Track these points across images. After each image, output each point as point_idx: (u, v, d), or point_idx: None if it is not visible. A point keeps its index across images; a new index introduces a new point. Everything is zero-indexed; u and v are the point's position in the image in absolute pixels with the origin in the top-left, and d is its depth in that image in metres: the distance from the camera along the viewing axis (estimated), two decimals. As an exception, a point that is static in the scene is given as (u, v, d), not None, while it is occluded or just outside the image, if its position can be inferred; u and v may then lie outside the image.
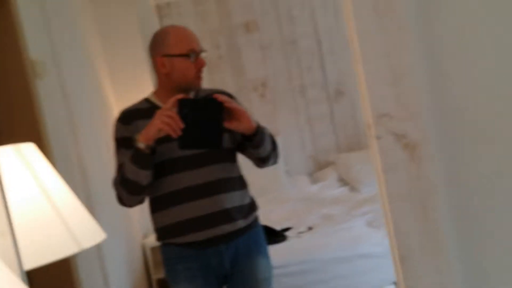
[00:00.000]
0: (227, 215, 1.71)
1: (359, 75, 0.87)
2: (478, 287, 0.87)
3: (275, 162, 1.83)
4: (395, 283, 2.58)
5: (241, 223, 1.74)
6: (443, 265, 0.82)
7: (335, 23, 4.05)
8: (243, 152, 1.79)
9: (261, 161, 1.78)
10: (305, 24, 4.02)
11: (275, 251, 2.65)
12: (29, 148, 1.10)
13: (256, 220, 1.84)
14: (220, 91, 1.84)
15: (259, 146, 1.69)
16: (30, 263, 0.92)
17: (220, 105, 1.55)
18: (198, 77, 1.74)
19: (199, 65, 1.72)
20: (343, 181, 3.69)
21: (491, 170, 0.88)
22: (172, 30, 1.77)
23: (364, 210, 3.04)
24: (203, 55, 1.75)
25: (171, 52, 1.71)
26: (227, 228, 1.71)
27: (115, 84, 3.61)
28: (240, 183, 1.79)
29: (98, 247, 2.33)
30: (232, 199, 1.73)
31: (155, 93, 1.80)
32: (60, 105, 2.31)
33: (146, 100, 1.79)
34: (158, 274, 3.37)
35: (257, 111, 3.96)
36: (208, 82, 4.01)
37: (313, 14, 4.03)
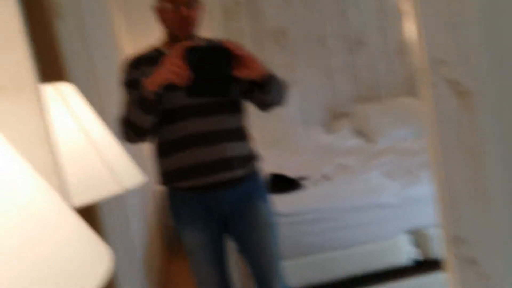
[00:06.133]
0: (227, 164, 1.75)
1: (416, 20, 0.85)
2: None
3: (281, 105, 1.85)
4: (408, 232, 2.62)
5: (240, 172, 1.79)
6: (491, 210, 0.83)
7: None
8: (249, 97, 1.80)
9: (268, 106, 1.80)
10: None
11: (291, 198, 2.69)
12: (68, 88, 1.09)
13: (256, 170, 1.88)
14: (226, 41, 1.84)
15: (269, 92, 1.70)
16: (77, 202, 0.93)
17: (229, 53, 1.52)
18: (182, 27, 1.74)
19: (180, 15, 1.73)
20: (358, 132, 3.69)
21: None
22: None
23: (381, 162, 3.05)
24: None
25: (165, 1, 1.75)
26: (226, 175, 1.76)
27: (128, 28, 3.55)
28: (242, 134, 1.83)
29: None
30: (233, 149, 1.76)
31: (163, 41, 1.84)
32: (79, 46, 2.28)
33: (155, 49, 1.83)
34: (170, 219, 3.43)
35: (275, 60, 3.90)
36: (224, 29, 3.94)
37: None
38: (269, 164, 3.14)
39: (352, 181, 2.80)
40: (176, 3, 1.73)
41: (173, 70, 1.51)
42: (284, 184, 2.83)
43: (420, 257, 2.61)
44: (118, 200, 2.32)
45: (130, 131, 1.70)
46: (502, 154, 0.85)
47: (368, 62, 3.99)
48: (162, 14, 1.78)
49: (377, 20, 3.96)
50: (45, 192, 0.55)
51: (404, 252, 2.61)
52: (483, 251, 0.84)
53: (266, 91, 1.69)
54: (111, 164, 1.09)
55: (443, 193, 0.85)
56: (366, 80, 4.00)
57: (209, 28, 3.91)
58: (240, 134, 1.81)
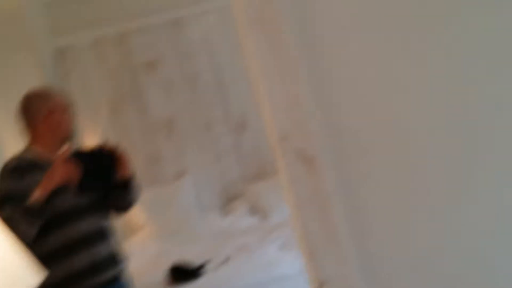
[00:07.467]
0: (116, 257, 1.90)
1: (263, 105, 1.05)
2: (372, 270, 1.06)
3: (135, 205, 2.04)
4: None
5: (123, 265, 1.94)
6: (340, 254, 1.01)
7: (234, 57, 4.17)
8: (109, 200, 1.95)
9: (128, 206, 2.00)
10: (205, 59, 4.14)
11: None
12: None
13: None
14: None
15: (132, 191, 1.93)
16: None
17: (111, 155, 1.85)
18: (71, 130, 1.97)
19: (70, 121, 1.96)
20: (253, 210, 3.85)
21: (373, 175, 1.09)
22: (47, 91, 2.01)
23: (276, 236, 3.21)
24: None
25: (57, 109, 1.91)
26: (118, 268, 1.89)
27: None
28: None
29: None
30: (115, 243, 1.92)
31: (37, 146, 1.89)
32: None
33: (29, 153, 1.88)
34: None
35: (165, 150, 4.03)
36: (112, 123, 4.03)
37: (212, 49, 4.15)
38: (170, 254, 3.19)
39: (250, 259, 2.92)
40: (68, 110, 1.95)
41: (67, 173, 1.70)
42: (184, 274, 2.89)
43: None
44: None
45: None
46: (343, 202, 1.04)
47: (253, 142, 4.20)
48: (60, 120, 1.91)
49: (256, 103, 4.23)
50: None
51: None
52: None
53: (129, 189, 1.91)
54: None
55: (303, 241, 1.02)
56: (253, 159, 4.20)
57: (96, 124, 4.00)
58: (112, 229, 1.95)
